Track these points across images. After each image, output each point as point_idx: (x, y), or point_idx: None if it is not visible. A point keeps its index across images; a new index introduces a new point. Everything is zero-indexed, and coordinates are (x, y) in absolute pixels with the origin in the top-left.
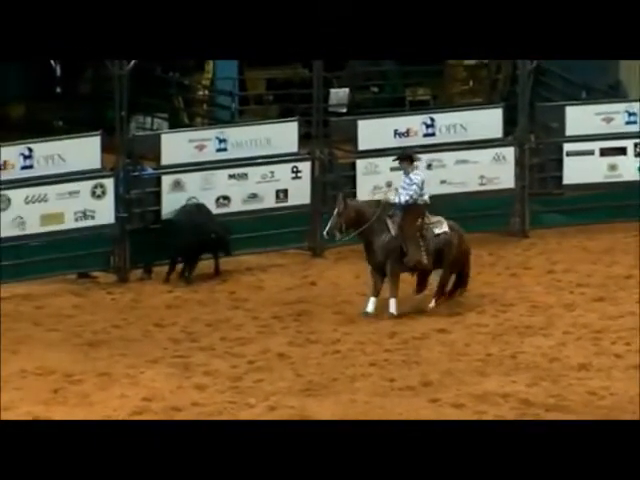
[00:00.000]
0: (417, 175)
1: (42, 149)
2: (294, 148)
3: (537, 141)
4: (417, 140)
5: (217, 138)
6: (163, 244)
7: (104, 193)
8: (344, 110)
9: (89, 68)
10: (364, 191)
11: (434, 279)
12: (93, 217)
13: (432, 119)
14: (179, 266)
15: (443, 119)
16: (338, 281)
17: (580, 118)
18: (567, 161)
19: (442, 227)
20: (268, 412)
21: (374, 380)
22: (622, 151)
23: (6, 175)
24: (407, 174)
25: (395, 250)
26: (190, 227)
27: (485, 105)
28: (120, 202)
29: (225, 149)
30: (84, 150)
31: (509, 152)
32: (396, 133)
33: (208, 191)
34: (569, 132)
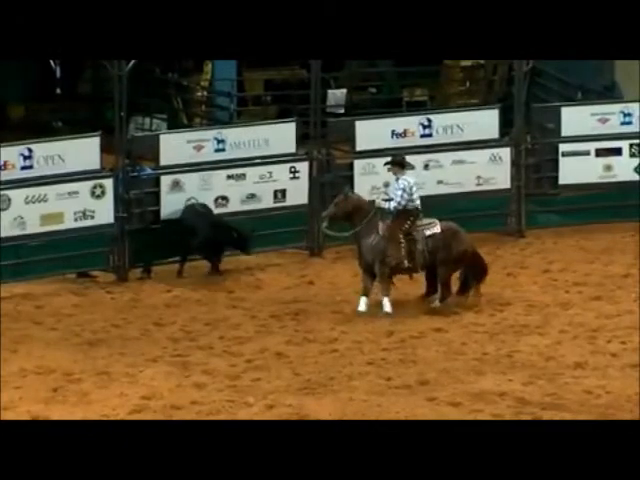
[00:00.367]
0: (404, 180)
1: (42, 149)
2: (292, 149)
3: (533, 142)
4: (414, 141)
5: (215, 139)
6: (173, 242)
7: (103, 193)
8: (342, 111)
9: (88, 69)
10: (362, 191)
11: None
12: (92, 217)
13: (429, 120)
14: (175, 266)
15: (440, 120)
16: (336, 280)
17: (576, 119)
18: (563, 161)
19: (434, 229)
20: (266, 410)
21: (371, 379)
22: (617, 152)
23: (6, 175)
24: (397, 179)
25: (382, 252)
26: (210, 225)
27: (481, 106)
28: (119, 202)
29: (223, 150)
30: (83, 150)
31: (505, 152)
32: (393, 134)
33: (207, 191)
34: (565, 133)
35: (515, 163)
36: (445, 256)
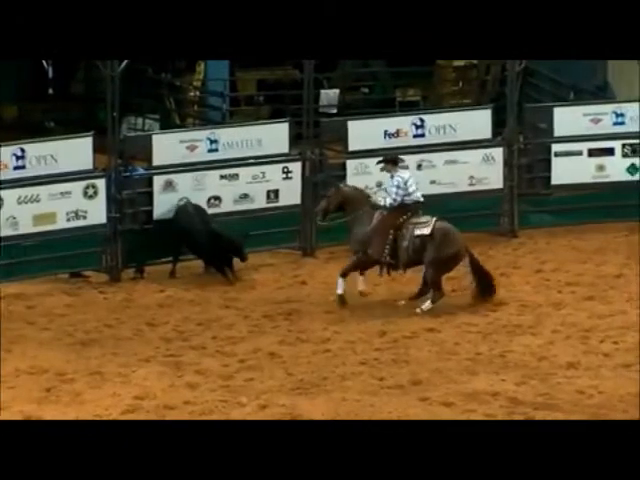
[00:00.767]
0: (398, 177)
1: (34, 150)
2: (285, 149)
3: (526, 142)
4: (407, 141)
5: (208, 139)
6: (166, 243)
7: (96, 193)
8: (334, 111)
9: (81, 69)
10: None
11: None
12: (85, 217)
13: (422, 120)
14: (168, 266)
15: (433, 120)
16: (329, 281)
17: (568, 119)
18: (555, 161)
19: (424, 229)
20: (259, 410)
21: (364, 379)
22: (610, 152)
23: None
24: (392, 177)
25: (366, 243)
26: (207, 234)
27: (474, 106)
28: (112, 202)
29: (216, 150)
30: (76, 151)
31: (498, 153)
32: (386, 134)
33: (199, 191)
34: (557, 133)
35: (508, 163)
36: (433, 257)
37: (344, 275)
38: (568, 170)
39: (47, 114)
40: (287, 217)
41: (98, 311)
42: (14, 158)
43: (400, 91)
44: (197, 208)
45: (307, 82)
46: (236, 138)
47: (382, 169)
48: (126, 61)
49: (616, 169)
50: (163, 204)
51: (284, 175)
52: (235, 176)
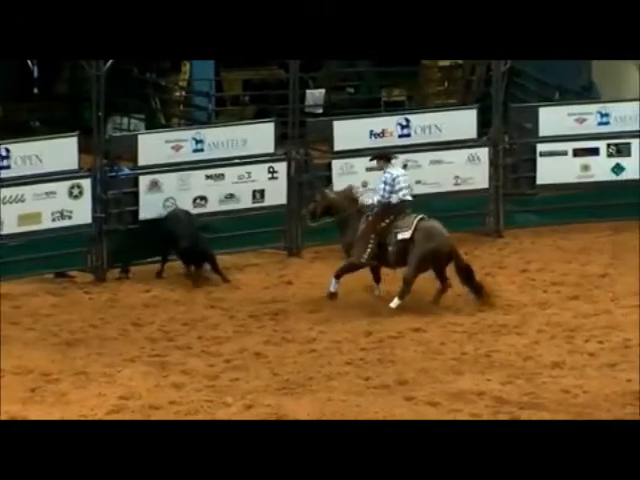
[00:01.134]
0: (387, 173)
1: (19, 149)
2: (270, 149)
3: (511, 141)
4: (392, 141)
5: (194, 139)
6: (152, 243)
7: (81, 193)
8: (320, 111)
9: (66, 69)
10: None
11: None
12: (70, 217)
13: (407, 120)
14: (153, 266)
15: (418, 120)
16: (314, 280)
17: (553, 119)
18: (540, 161)
19: (406, 233)
20: (245, 410)
21: (350, 379)
22: (595, 152)
23: None
24: (384, 173)
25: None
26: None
27: (459, 106)
28: (97, 202)
29: (202, 150)
30: (61, 151)
31: (483, 152)
32: (372, 134)
33: (185, 191)
34: (542, 133)
35: (493, 163)
36: (413, 256)
37: (337, 277)
38: (553, 170)
39: (32, 114)
40: (273, 217)
41: (83, 311)
42: None
43: (385, 91)
44: (186, 213)
45: (292, 82)
46: (221, 138)
47: (376, 165)
48: (111, 61)
49: (601, 169)
50: (149, 204)
51: (270, 175)
52: (221, 176)
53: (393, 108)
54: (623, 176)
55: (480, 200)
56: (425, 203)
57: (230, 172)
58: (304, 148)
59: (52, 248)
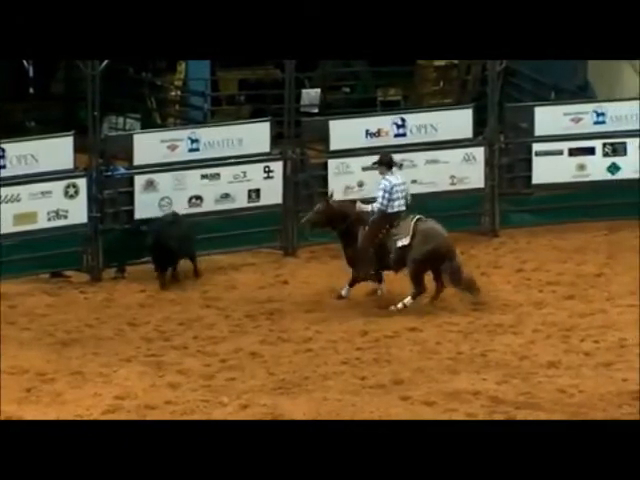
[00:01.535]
0: (385, 181)
1: (15, 149)
2: (266, 148)
3: (506, 141)
4: (388, 140)
5: (189, 138)
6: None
7: (77, 193)
8: (316, 110)
9: (62, 69)
10: (336, 191)
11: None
12: (66, 217)
13: (403, 119)
14: (149, 265)
15: (414, 119)
16: (310, 280)
17: (549, 118)
18: (536, 161)
19: (404, 240)
20: (240, 410)
21: (346, 378)
22: (590, 151)
23: None
24: (382, 180)
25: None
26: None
27: (455, 106)
28: (93, 202)
29: (197, 149)
30: (57, 150)
31: (479, 152)
32: (367, 133)
33: (180, 191)
34: (538, 132)
35: (489, 163)
36: (412, 257)
37: (351, 285)
38: (549, 169)
39: (27, 114)
40: (268, 217)
41: (79, 311)
42: None
43: (381, 91)
44: (172, 216)
45: (288, 81)
46: (217, 138)
47: (377, 169)
48: (107, 60)
49: (597, 168)
50: (144, 204)
51: (265, 175)
52: (216, 176)
53: (389, 108)
54: (619, 175)
55: (476, 200)
56: (421, 203)
57: (226, 172)
58: (300, 148)
59: (48, 248)
